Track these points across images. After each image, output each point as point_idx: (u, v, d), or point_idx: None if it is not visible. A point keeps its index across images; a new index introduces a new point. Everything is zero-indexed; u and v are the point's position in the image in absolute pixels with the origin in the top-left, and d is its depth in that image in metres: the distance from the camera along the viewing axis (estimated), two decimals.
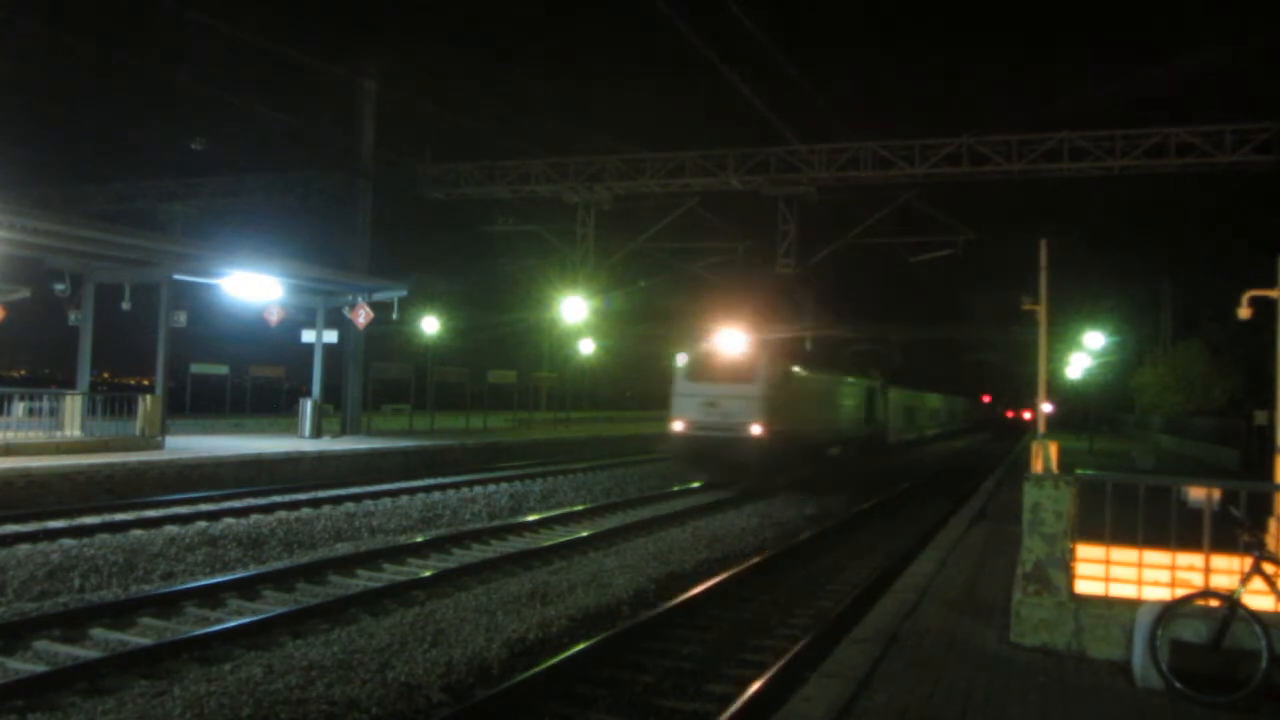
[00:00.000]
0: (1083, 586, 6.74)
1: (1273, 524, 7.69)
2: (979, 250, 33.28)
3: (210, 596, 9.92)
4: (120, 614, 9.07)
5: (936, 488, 24.91)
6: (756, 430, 20.58)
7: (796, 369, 23.43)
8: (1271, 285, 8.42)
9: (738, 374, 21.38)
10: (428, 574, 11.20)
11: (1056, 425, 50.60)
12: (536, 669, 7.54)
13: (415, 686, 7.30)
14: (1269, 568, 6.04)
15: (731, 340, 22.19)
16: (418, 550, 12.78)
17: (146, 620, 9.10)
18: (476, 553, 13.05)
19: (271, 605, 9.84)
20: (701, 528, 15.64)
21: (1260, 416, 24.22)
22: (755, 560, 12.72)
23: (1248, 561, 6.06)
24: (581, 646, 8.22)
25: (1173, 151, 26.24)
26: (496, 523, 15.31)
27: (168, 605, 9.50)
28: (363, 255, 28.61)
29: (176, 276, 20.59)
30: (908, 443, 41.65)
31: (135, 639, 8.49)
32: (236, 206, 35.47)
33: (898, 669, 6.19)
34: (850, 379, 28.66)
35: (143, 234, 20.80)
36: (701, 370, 22.06)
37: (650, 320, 40.02)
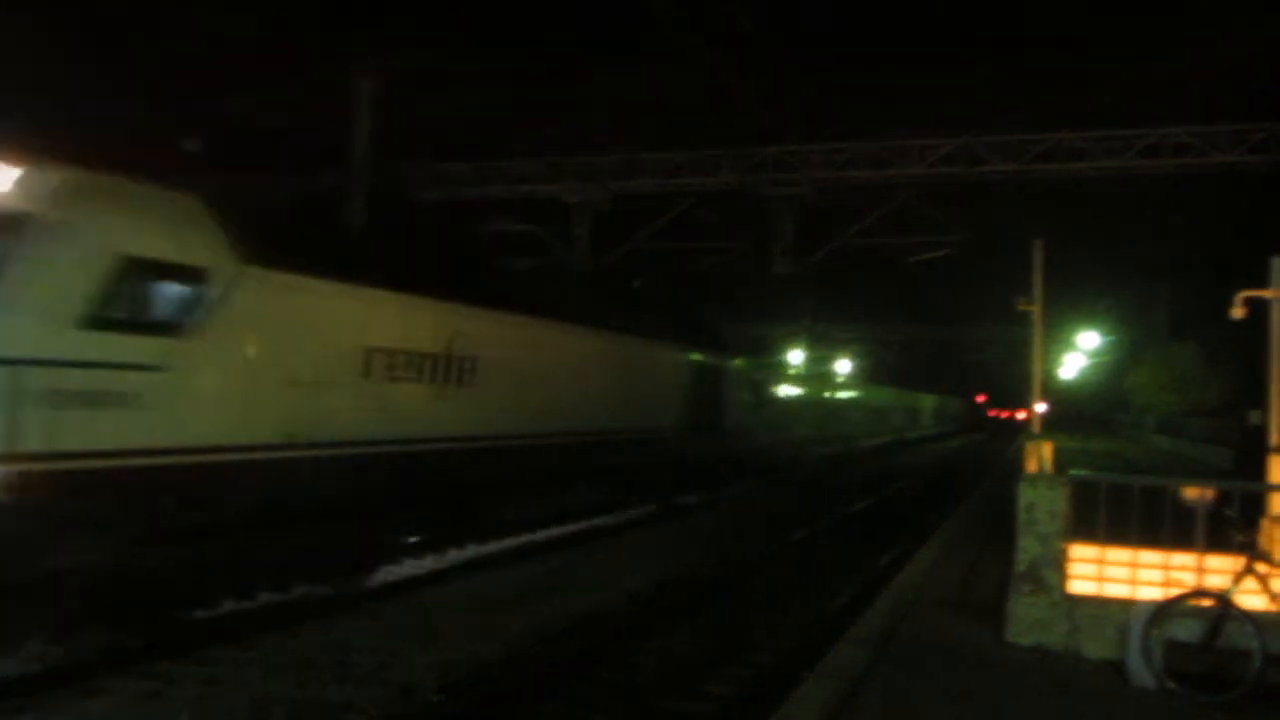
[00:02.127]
0: (1077, 586, 6.76)
1: (1266, 524, 7.72)
2: (975, 250, 33.26)
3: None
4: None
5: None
6: None
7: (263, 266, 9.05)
8: (1265, 286, 8.44)
9: None
10: (424, 573, 11.21)
11: (1050, 425, 50.58)
12: None
13: (414, 686, 7.31)
14: (1262, 567, 6.08)
15: None
16: (416, 550, 12.77)
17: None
18: (471, 551, 13.05)
19: (270, 605, 9.81)
20: None
21: (1254, 417, 24.18)
22: None
23: (1241, 561, 6.10)
24: None
25: (1169, 152, 26.25)
26: None
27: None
28: None
29: None
30: (837, 455, 34.27)
31: (130, 639, 8.46)
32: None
33: (893, 669, 6.20)
34: (573, 325, 15.07)
35: None
36: None
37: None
